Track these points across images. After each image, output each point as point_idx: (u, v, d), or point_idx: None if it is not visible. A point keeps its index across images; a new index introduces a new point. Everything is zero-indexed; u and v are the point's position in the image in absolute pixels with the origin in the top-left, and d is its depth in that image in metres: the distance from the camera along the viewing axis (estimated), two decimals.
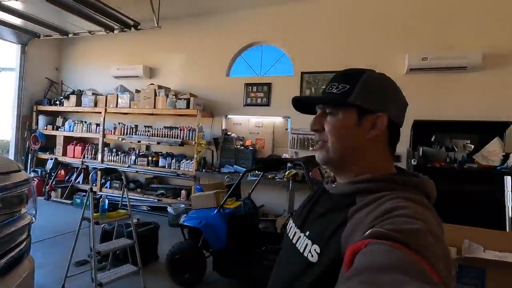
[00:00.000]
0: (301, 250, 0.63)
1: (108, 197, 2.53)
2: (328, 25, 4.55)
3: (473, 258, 1.50)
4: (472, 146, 3.60)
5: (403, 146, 4.03)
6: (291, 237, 0.71)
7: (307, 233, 0.65)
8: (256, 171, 4.13)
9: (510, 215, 2.10)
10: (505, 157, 3.37)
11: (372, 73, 0.68)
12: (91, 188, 2.35)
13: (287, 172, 4.07)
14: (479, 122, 3.58)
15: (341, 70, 0.71)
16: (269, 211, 4.71)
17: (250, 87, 5.01)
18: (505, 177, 2.17)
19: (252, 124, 5.27)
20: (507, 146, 3.46)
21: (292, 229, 0.73)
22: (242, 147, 5.00)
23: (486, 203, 3.21)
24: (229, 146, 5.05)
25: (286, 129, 5.02)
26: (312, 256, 0.60)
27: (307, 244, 0.63)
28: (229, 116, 5.35)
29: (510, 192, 2.10)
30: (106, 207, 2.39)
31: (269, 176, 4.33)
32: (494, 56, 3.66)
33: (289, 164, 4.04)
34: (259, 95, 4.95)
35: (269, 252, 2.45)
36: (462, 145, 3.68)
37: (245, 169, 4.46)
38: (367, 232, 0.46)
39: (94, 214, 2.27)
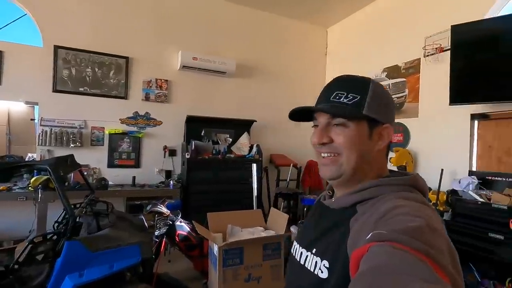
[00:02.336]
0: (311, 269, 0.63)
1: None
2: (97, 2, 3.77)
3: (233, 242, 1.67)
4: (231, 139, 4.34)
5: (178, 140, 4.16)
6: (298, 259, 0.70)
7: (314, 250, 0.64)
8: None
9: (255, 194, 2.65)
10: (251, 148, 4.34)
11: (375, 82, 0.65)
12: None
13: (33, 179, 2.98)
14: (234, 120, 4.36)
15: (341, 76, 0.66)
16: (6, 237, 3.29)
17: None
18: (252, 164, 2.69)
19: None
20: (252, 139, 4.46)
21: (297, 250, 0.72)
22: None
23: (244, 185, 3.98)
24: None
25: (33, 119, 3.70)
26: (322, 272, 0.59)
27: (316, 262, 0.62)
28: None
29: (255, 176, 2.63)
30: None
31: (1, 188, 2.98)
32: (243, 67, 4.59)
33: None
34: None
35: None
36: (224, 139, 4.34)
37: None
38: (369, 236, 0.45)
39: None
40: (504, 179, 2.74)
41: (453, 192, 2.90)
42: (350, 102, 0.61)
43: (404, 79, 3.76)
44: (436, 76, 3.31)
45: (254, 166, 2.61)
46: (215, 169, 3.87)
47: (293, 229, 3.96)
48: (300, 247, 0.71)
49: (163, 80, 4.10)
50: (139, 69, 4.00)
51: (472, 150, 3.06)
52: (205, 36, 4.38)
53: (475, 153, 3.07)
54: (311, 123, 0.69)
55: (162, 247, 2.60)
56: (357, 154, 0.62)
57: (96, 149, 3.77)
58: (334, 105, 0.62)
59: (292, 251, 0.76)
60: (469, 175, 2.93)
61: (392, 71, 3.94)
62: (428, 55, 3.42)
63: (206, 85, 4.38)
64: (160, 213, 2.69)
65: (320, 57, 5.33)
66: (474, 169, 3.04)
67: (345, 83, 0.65)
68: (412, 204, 0.53)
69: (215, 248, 1.74)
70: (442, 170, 2.96)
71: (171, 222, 2.65)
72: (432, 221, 0.47)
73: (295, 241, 0.77)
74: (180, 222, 2.69)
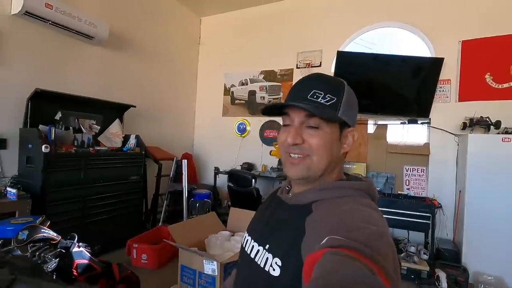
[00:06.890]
0: (262, 265, 0.61)
1: None
2: None
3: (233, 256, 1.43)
4: (98, 127, 3.32)
5: (10, 124, 2.70)
6: (248, 252, 0.67)
7: (267, 246, 0.62)
8: None
9: (185, 196, 2.24)
10: (125, 139, 3.52)
11: (347, 85, 0.65)
12: None
13: None
14: (104, 102, 3.36)
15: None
16: None
17: None
18: (183, 160, 2.26)
19: None
20: (125, 128, 3.62)
21: (248, 242, 0.69)
22: None
23: (125, 185, 3.22)
24: None
25: None
26: (274, 270, 0.57)
27: (267, 258, 0.60)
28: None
29: (185, 173, 2.24)
30: None
31: None
32: (118, 36, 3.60)
33: None
34: None
35: None
36: (89, 126, 3.25)
37: None
38: (324, 241, 0.45)
39: None
40: None
41: None
42: (327, 104, 0.61)
43: (279, 84, 4.39)
44: None
45: (185, 162, 2.21)
46: (85, 167, 2.85)
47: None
48: (252, 240, 0.69)
49: None
50: None
51: None
52: None
53: None
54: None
55: None
56: (328, 156, 0.62)
57: None
58: (315, 106, 0.60)
59: (243, 242, 0.73)
60: None
61: (269, 75, 4.48)
62: (300, 68, 4.20)
63: (64, 48, 3.08)
64: (45, 240, 1.70)
65: (193, 45, 5.10)
66: None
67: (322, 83, 0.64)
68: (366, 210, 0.54)
69: (211, 266, 1.41)
70: None
71: (64, 251, 1.74)
72: (382, 228, 0.49)
73: (246, 233, 0.73)
74: (79, 247, 1.83)
